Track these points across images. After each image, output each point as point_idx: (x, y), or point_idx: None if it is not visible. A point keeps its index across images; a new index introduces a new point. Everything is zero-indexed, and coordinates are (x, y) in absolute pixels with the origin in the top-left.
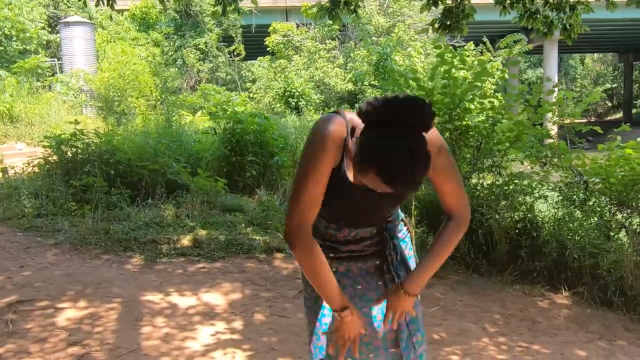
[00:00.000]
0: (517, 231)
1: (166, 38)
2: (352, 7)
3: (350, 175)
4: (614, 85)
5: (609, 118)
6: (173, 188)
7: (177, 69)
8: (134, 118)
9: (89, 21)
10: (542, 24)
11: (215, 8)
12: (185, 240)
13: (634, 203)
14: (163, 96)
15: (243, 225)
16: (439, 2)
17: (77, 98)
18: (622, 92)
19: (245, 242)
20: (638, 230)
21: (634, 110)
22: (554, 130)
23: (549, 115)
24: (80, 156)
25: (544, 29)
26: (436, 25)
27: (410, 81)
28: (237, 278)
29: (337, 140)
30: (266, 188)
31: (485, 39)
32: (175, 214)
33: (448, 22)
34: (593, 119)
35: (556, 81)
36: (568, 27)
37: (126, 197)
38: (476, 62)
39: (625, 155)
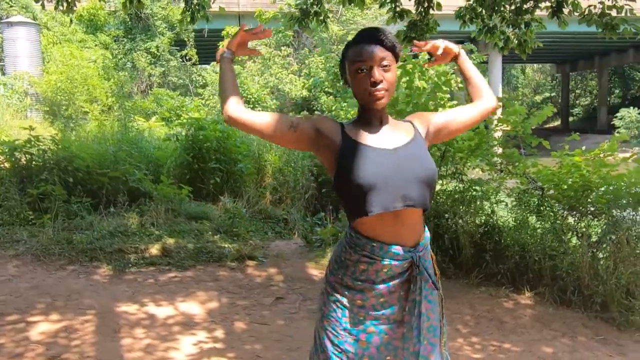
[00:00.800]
0: (480, 236)
1: (115, 41)
2: (322, 18)
3: (357, 136)
4: (552, 94)
5: (547, 126)
6: (135, 196)
7: (127, 73)
8: (84, 123)
9: (34, 22)
10: (499, 39)
11: (184, 15)
12: (154, 249)
13: (583, 208)
14: (119, 101)
15: (210, 232)
16: (405, 15)
17: (22, 102)
18: (559, 101)
19: (215, 250)
20: (589, 233)
21: (570, 119)
22: (497, 135)
23: (493, 124)
24: (35, 163)
25: (501, 44)
26: (401, 38)
27: None
28: (212, 286)
29: (328, 119)
30: (230, 195)
31: None
32: (140, 222)
33: (412, 35)
34: (534, 127)
35: (500, 90)
36: (523, 42)
37: (87, 206)
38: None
39: (576, 162)
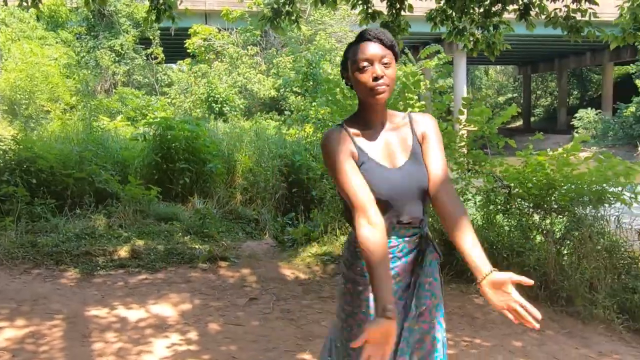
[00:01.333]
0: None
1: (77, 38)
2: (294, 17)
3: (367, 148)
4: (514, 95)
5: (510, 126)
6: (102, 197)
7: (90, 71)
8: (45, 123)
9: None
10: (469, 40)
11: (149, 14)
12: (122, 251)
13: (547, 205)
14: (83, 100)
15: (180, 234)
16: (377, 17)
17: None
18: (521, 101)
19: (186, 252)
20: (553, 230)
21: (532, 119)
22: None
23: (458, 125)
24: None
25: (471, 45)
26: None
27: (346, 91)
28: (184, 288)
29: (338, 134)
30: (200, 196)
31: (407, 50)
32: (107, 224)
33: None
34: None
35: (465, 90)
36: (491, 44)
37: (51, 208)
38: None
39: (541, 161)
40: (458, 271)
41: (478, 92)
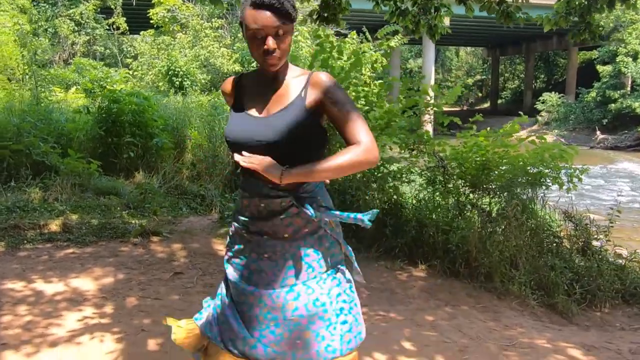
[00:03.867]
0: (383, 212)
1: (35, 5)
2: None
3: (246, 96)
4: (483, 77)
5: (478, 107)
6: (40, 170)
7: (48, 40)
8: None
9: None
10: (411, 22)
11: None
12: (54, 225)
13: (485, 185)
14: (30, 69)
15: (119, 208)
16: None
17: None
18: (489, 84)
19: (120, 226)
20: (488, 210)
21: (499, 101)
22: (427, 119)
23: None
24: None
25: (412, 27)
26: (314, 17)
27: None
28: (110, 262)
29: (226, 82)
30: (145, 170)
31: (364, 29)
32: (43, 197)
33: (325, 15)
34: (465, 108)
35: (433, 71)
36: (433, 27)
37: None
38: (351, 54)
39: (478, 142)
40: (387, 248)
41: (448, 74)
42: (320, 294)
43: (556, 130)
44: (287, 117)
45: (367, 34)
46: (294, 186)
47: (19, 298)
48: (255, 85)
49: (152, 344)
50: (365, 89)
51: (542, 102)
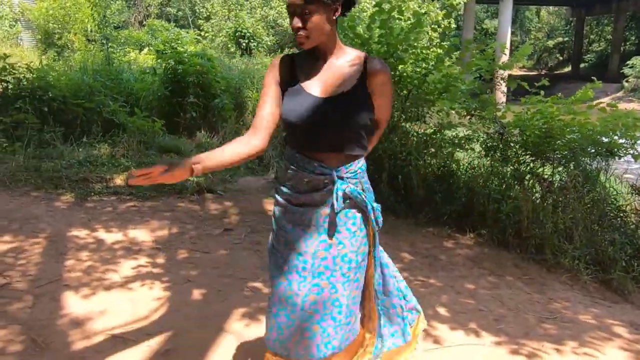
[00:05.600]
0: (434, 177)
1: None
2: None
3: (304, 76)
4: (565, 39)
5: (558, 71)
6: (109, 127)
7: (124, 2)
8: (75, 53)
9: None
10: None
11: None
12: (119, 180)
13: (549, 154)
14: (102, 31)
15: None
16: None
17: (13, 29)
18: (572, 46)
19: (179, 183)
20: (548, 178)
21: (582, 65)
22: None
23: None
24: (11, 91)
25: None
26: None
27: (347, 30)
28: (167, 217)
29: (275, 61)
30: (207, 130)
31: None
32: (111, 153)
33: None
34: (543, 72)
35: (509, 32)
36: None
37: (60, 135)
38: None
39: (542, 109)
40: (436, 214)
41: (526, 35)
42: (350, 254)
43: None
44: (353, 101)
45: None
46: (338, 166)
47: (82, 245)
48: (310, 66)
49: (196, 294)
50: (425, 51)
51: (631, 67)
